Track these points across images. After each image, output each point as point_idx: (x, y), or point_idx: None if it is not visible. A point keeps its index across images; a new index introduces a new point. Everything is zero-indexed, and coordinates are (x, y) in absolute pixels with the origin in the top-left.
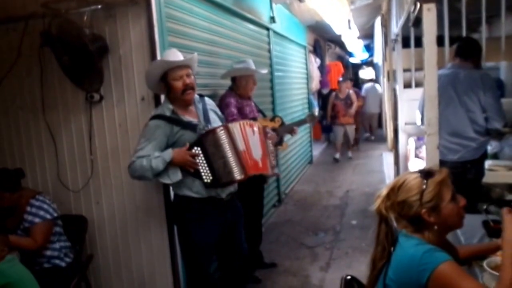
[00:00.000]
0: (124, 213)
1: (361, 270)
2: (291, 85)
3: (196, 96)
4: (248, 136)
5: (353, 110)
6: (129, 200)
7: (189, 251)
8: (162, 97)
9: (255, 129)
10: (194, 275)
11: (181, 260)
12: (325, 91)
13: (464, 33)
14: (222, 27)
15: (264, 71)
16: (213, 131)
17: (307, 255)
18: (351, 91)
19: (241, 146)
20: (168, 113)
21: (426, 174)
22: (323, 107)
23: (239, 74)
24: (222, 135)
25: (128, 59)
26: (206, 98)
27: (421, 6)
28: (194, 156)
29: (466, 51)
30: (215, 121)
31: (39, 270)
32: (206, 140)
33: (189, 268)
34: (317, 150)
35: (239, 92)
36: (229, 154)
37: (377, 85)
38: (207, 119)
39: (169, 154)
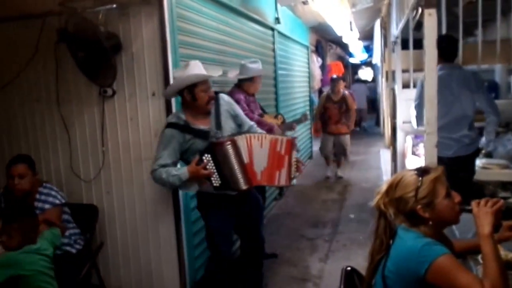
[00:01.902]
0: (133, 204)
1: (358, 262)
2: (293, 83)
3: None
4: (253, 149)
5: (352, 119)
6: (138, 191)
7: (208, 234)
8: None
9: (265, 142)
10: (213, 257)
11: (187, 251)
12: (325, 89)
13: (460, 36)
14: (229, 27)
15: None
16: (222, 144)
17: (307, 246)
18: (346, 92)
19: (245, 159)
20: (181, 123)
21: (422, 171)
22: None
23: (257, 74)
24: (229, 149)
25: (140, 56)
26: (222, 96)
27: (422, 10)
28: (206, 167)
29: (451, 54)
30: (227, 123)
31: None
32: (216, 150)
33: (210, 251)
34: (317, 145)
35: (247, 90)
36: (235, 166)
37: (365, 85)
38: (218, 124)
39: (184, 173)
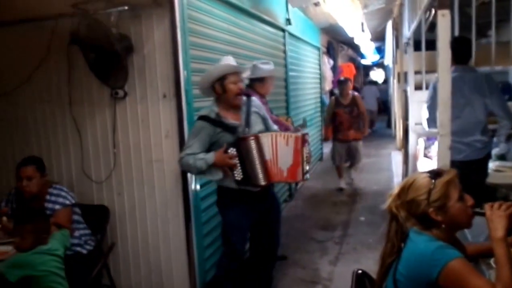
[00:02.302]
0: (144, 205)
1: (368, 265)
2: (304, 85)
3: (243, 98)
4: (278, 147)
5: (365, 123)
6: (149, 193)
7: (224, 231)
8: (183, 96)
9: (290, 140)
10: (227, 252)
11: (197, 252)
12: (336, 91)
13: (473, 38)
14: (240, 28)
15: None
16: (246, 139)
17: (316, 249)
18: (356, 94)
19: (267, 155)
20: (213, 115)
21: (434, 174)
22: None
23: (268, 74)
24: (252, 144)
25: (152, 58)
26: (253, 99)
27: (435, 12)
28: (232, 157)
29: (464, 56)
30: (256, 123)
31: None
32: (241, 144)
33: (223, 245)
34: (328, 148)
35: (258, 90)
36: (256, 161)
37: (376, 87)
38: (247, 122)
39: (211, 157)
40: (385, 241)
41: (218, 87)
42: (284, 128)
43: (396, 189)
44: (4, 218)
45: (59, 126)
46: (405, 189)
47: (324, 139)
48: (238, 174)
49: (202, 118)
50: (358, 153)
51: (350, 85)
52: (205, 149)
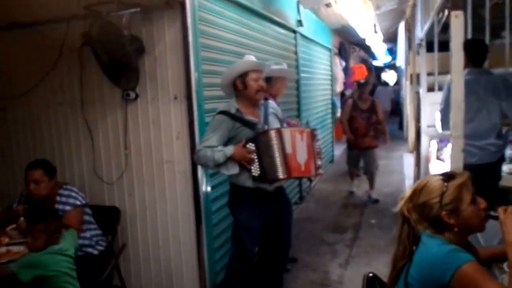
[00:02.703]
0: (154, 206)
1: (379, 268)
2: (316, 86)
3: (262, 100)
4: (296, 142)
5: (384, 131)
6: (160, 194)
7: (236, 232)
8: (194, 98)
9: (304, 135)
10: (237, 253)
11: (207, 254)
12: (348, 92)
13: (487, 39)
14: (251, 29)
15: (295, 75)
16: (267, 132)
17: (327, 251)
18: (376, 100)
19: (288, 149)
20: (233, 111)
21: (447, 177)
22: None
23: (278, 74)
24: (274, 137)
25: (163, 60)
26: (270, 102)
27: (449, 13)
28: (250, 152)
29: (480, 58)
30: (274, 123)
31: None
32: (260, 139)
33: (234, 247)
34: (339, 149)
35: (271, 93)
36: (277, 154)
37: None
38: (266, 121)
39: (230, 150)
40: (397, 244)
41: (239, 83)
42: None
43: (408, 192)
44: (21, 219)
45: (71, 128)
46: (417, 192)
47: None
48: (255, 170)
49: (222, 112)
50: (373, 161)
51: (369, 88)
52: (223, 143)
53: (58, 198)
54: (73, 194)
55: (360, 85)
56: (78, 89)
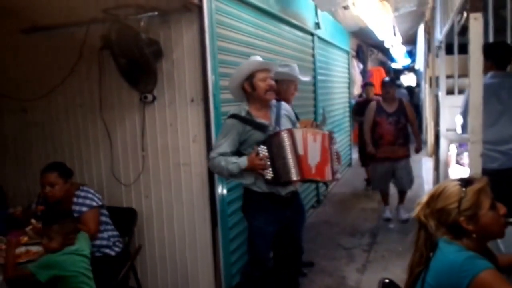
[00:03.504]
0: (171, 208)
1: (397, 274)
2: (333, 89)
3: (273, 101)
4: (308, 143)
5: (417, 135)
6: (176, 196)
7: (250, 238)
8: (211, 100)
9: (318, 137)
10: (252, 259)
11: (223, 256)
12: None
13: (509, 41)
14: (268, 32)
15: (307, 78)
16: (278, 133)
17: (343, 256)
18: (404, 100)
19: (300, 150)
20: (243, 113)
21: (465, 182)
22: (358, 111)
23: (281, 77)
24: (285, 138)
25: (180, 63)
26: (283, 103)
27: (467, 15)
28: (263, 159)
29: (504, 61)
30: (286, 125)
31: (91, 259)
32: (272, 141)
33: (249, 252)
34: (357, 153)
35: (280, 97)
36: (289, 156)
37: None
38: (278, 123)
39: (244, 162)
40: (414, 250)
41: (248, 85)
42: None
43: (425, 198)
44: (33, 220)
45: (90, 130)
46: (434, 197)
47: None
48: (268, 173)
49: (232, 116)
50: (408, 173)
51: (395, 88)
52: (235, 148)
53: (75, 200)
54: (90, 195)
55: (385, 85)
56: (97, 91)
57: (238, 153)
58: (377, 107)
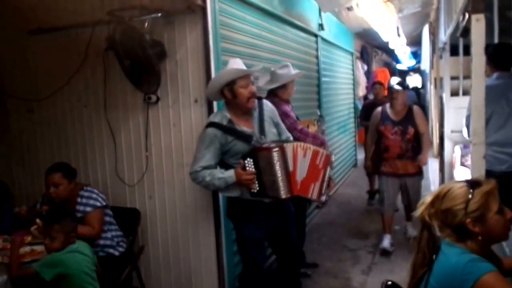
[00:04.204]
0: (174, 209)
1: (402, 276)
2: (337, 90)
3: (255, 101)
4: (298, 158)
5: (425, 148)
6: (180, 196)
7: (241, 244)
8: (214, 101)
9: (308, 152)
10: (246, 265)
11: (226, 257)
12: (370, 96)
13: None
14: (272, 34)
15: (298, 71)
16: (269, 149)
17: (348, 257)
18: (415, 107)
19: (290, 167)
20: (224, 122)
21: (472, 184)
22: (363, 115)
23: (290, 80)
24: (276, 155)
25: (184, 64)
26: (265, 102)
27: (469, 16)
28: (251, 174)
29: (507, 62)
30: (270, 131)
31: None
32: (260, 155)
33: (242, 260)
34: (362, 154)
35: (281, 96)
36: (279, 174)
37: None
38: (262, 129)
39: (231, 177)
40: (416, 251)
41: (228, 92)
42: (319, 142)
43: (429, 198)
44: (38, 220)
45: (94, 130)
46: (439, 198)
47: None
48: (254, 187)
49: (213, 125)
50: (416, 193)
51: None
52: (219, 159)
53: (79, 200)
54: (94, 195)
55: (392, 90)
56: (102, 92)
57: (221, 162)
58: (382, 115)
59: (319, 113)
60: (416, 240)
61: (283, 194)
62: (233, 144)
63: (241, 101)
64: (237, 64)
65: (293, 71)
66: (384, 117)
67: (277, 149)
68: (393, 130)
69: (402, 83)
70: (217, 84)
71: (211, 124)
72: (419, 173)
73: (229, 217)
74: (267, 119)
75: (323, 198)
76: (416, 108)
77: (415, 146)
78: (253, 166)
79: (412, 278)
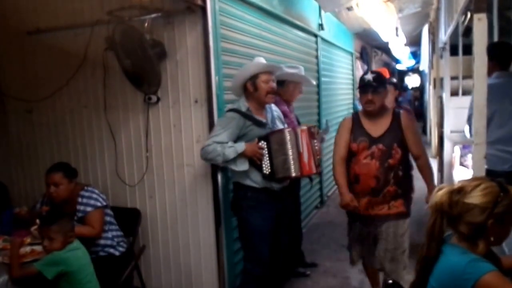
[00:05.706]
0: (174, 208)
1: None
2: (337, 90)
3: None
4: (304, 141)
5: (429, 178)
6: (180, 196)
7: (247, 235)
8: (214, 101)
9: (303, 134)
10: (251, 257)
11: (226, 256)
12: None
13: None
14: (272, 33)
15: (313, 82)
16: (282, 130)
17: (348, 257)
18: (403, 115)
19: (300, 148)
20: (243, 109)
21: (502, 185)
22: None
23: (290, 78)
24: (288, 135)
25: (184, 64)
26: (273, 105)
27: (471, 16)
28: (262, 149)
29: (508, 61)
30: (279, 126)
31: (95, 259)
32: (273, 138)
33: (246, 251)
34: None
35: (285, 98)
36: (290, 153)
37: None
38: (273, 122)
39: (241, 146)
40: (427, 241)
41: (250, 85)
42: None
43: (454, 185)
44: (38, 220)
45: (95, 131)
46: (467, 191)
47: None
48: (266, 168)
49: (233, 110)
50: (398, 246)
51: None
52: (233, 141)
53: (79, 200)
54: (94, 195)
55: (364, 86)
56: (102, 92)
57: None
58: (353, 126)
59: (325, 122)
60: (427, 230)
61: (293, 172)
62: (250, 129)
63: (261, 95)
64: (261, 61)
65: (294, 71)
66: (356, 128)
67: (290, 129)
68: (369, 151)
69: (380, 78)
70: (243, 76)
71: (231, 109)
72: (404, 213)
73: (234, 210)
74: (276, 117)
75: (319, 169)
76: (404, 115)
77: (402, 178)
78: (266, 148)
79: (419, 269)
